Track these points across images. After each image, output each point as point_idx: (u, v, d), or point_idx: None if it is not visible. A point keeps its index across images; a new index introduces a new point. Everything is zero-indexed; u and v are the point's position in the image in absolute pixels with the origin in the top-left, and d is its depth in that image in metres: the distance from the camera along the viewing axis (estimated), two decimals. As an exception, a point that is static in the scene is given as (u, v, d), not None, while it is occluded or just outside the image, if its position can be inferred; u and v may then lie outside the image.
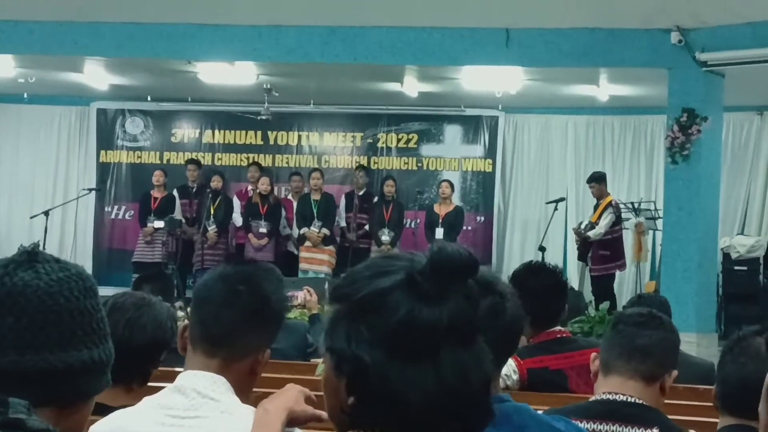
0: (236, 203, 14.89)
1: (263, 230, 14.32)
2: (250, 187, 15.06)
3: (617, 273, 13.58)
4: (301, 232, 14.30)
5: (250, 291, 2.63)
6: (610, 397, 3.24)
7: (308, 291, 7.16)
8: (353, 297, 1.59)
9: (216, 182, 14.60)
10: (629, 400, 3.21)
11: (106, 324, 1.74)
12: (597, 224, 13.24)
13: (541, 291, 4.68)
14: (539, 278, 4.75)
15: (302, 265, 14.15)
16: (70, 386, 1.65)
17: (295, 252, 14.51)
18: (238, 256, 13.97)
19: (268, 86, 14.28)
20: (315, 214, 14.27)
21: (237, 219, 14.76)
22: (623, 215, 13.58)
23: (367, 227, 14.58)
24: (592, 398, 3.32)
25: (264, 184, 14.43)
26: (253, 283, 2.65)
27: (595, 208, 13.57)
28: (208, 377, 2.57)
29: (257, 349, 2.65)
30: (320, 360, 5.40)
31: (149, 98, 15.93)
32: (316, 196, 14.44)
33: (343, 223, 14.62)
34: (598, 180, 13.57)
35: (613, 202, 13.38)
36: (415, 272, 1.56)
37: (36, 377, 1.61)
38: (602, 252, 13.21)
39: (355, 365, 1.56)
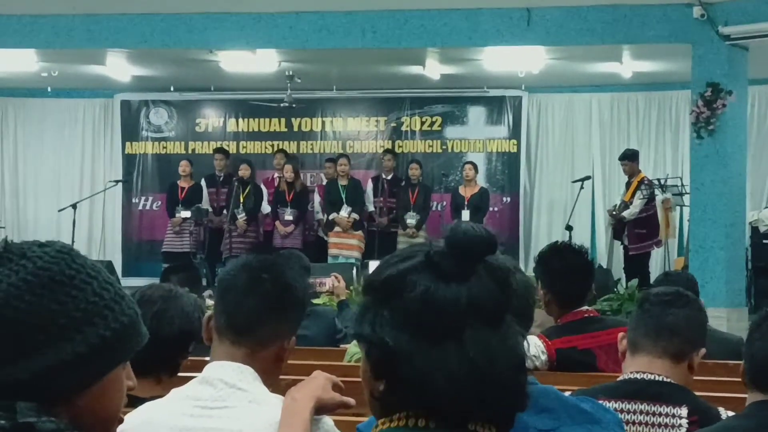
0: (264, 191, 14.92)
1: (289, 217, 14.35)
2: (276, 175, 15.09)
3: (653, 250, 13.56)
4: (330, 217, 14.31)
5: (272, 279, 2.66)
6: (638, 376, 3.24)
7: (336, 277, 7.17)
8: (377, 282, 1.60)
9: (244, 171, 14.61)
10: (657, 378, 3.21)
11: (97, 304, 1.63)
12: (631, 203, 13.20)
13: (567, 271, 4.69)
14: (565, 258, 4.75)
15: (332, 251, 14.17)
16: (54, 387, 1.59)
17: (325, 238, 14.53)
18: (263, 246, 14.02)
19: (290, 73, 14.28)
20: (344, 199, 14.28)
21: (265, 207, 14.79)
22: (650, 192, 13.53)
23: (396, 211, 14.58)
24: (620, 378, 3.32)
25: (288, 172, 14.45)
26: (276, 272, 2.68)
27: (627, 185, 13.52)
28: (235, 367, 2.58)
29: (282, 336, 2.67)
30: (348, 346, 5.42)
31: (172, 89, 15.97)
32: (343, 182, 14.45)
33: (372, 208, 14.61)
34: (630, 157, 13.51)
35: (645, 180, 13.34)
36: (432, 252, 1.56)
37: (10, 389, 1.54)
38: (638, 230, 13.18)
39: (381, 349, 1.56)
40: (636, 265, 12.98)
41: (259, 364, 2.62)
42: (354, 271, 11.21)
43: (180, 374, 3.26)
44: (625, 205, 13.27)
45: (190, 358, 3.33)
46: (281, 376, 2.77)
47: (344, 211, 14.20)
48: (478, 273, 1.55)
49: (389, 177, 14.82)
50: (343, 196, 14.29)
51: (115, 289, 1.70)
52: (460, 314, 1.52)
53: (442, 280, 1.54)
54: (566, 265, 4.71)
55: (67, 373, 1.60)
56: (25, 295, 1.59)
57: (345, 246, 14.15)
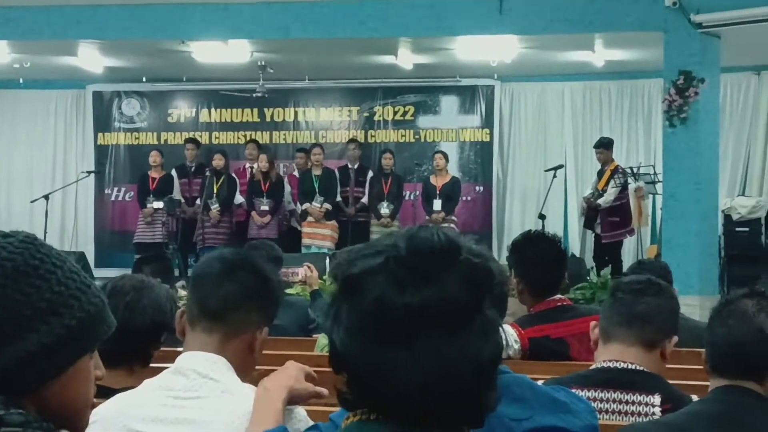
0: (238, 181, 14.87)
1: (265, 208, 14.32)
2: (248, 165, 15.05)
3: (626, 238, 13.61)
4: (303, 207, 14.29)
5: (248, 270, 2.68)
6: (610, 364, 3.25)
7: (309, 267, 7.15)
8: (340, 277, 1.60)
9: (218, 160, 14.56)
10: (630, 367, 3.22)
11: (62, 294, 1.63)
12: (605, 191, 13.24)
13: (540, 260, 4.69)
14: (538, 247, 4.76)
15: (305, 241, 14.15)
16: (20, 378, 1.58)
17: (299, 228, 14.52)
18: (237, 237, 14.00)
19: (263, 63, 14.25)
20: (317, 190, 14.26)
21: (238, 197, 14.75)
22: (623, 180, 13.58)
23: (363, 200, 14.58)
24: (593, 366, 3.33)
25: (263, 162, 14.42)
26: (252, 264, 2.70)
27: (600, 174, 13.56)
28: (208, 357, 2.58)
29: (254, 325, 2.67)
30: (320, 336, 5.42)
31: (144, 79, 15.90)
32: (317, 172, 14.42)
33: (339, 198, 14.58)
34: (606, 145, 13.57)
35: (619, 168, 13.39)
36: (390, 258, 1.56)
37: None
38: (612, 219, 13.23)
39: (333, 346, 1.58)
40: (608, 253, 13.04)
41: (231, 354, 2.62)
42: (327, 261, 11.18)
43: (152, 365, 3.25)
44: (599, 193, 13.31)
45: (162, 348, 3.32)
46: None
47: (316, 202, 14.17)
48: (442, 277, 1.54)
49: (356, 166, 14.81)
50: (316, 186, 14.26)
51: (81, 279, 1.69)
52: (411, 322, 1.52)
53: (398, 287, 1.53)
54: (539, 253, 4.72)
55: (33, 363, 1.59)
56: None
57: (318, 236, 14.13)
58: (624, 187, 13.35)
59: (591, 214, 13.46)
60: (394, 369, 1.52)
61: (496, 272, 1.65)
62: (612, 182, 13.24)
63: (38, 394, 1.61)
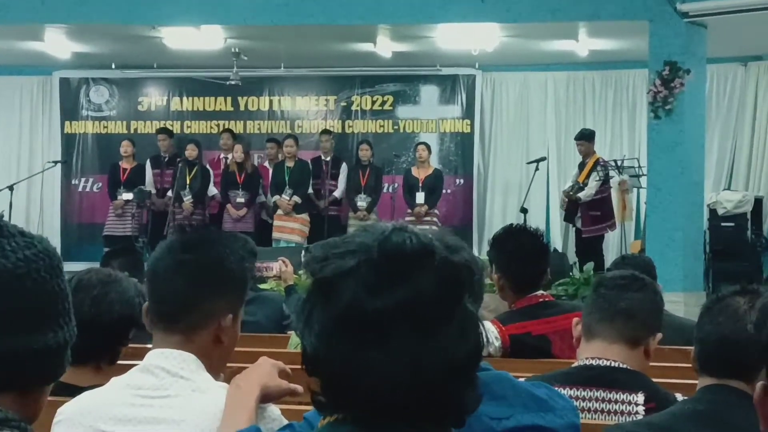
0: (211, 172, 14.83)
1: (241, 200, 14.29)
2: (222, 155, 15.01)
3: (607, 233, 13.63)
4: (273, 200, 14.28)
5: (198, 258, 2.62)
6: (593, 362, 3.25)
7: (284, 261, 7.16)
8: (316, 275, 1.62)
9: (191, 151, 14.53)
10: (613, 364, 3.23)
11: (71, 302, 1.69)
12: (586, 184, 13.24)
13: (521, 255, 4.71)
14: (519, 241, 4.78)
15: (274, 234, 14.13)
16: (35, 370, 1.61)
17: (269, 221, 14.50)
18: (196, 226, 13.95)
19: (237, 50, 14.19)
20: (287, 182, 14.23)
21: (211, 189, 14.71)
22: (607, 173, 13.59)
23: (336, 194, 14.57)
24: (575, 364, 3.34)
25: (238, 152, 14.38)
26: (203, 249, 2.64)
27: (581, 167, 13.57)
28: (177, 355, 2.56)
29: (217, 316, 2.62)
30: (294, 332, 5.41)
31: (113, 66, 15.82)
32: (289, 163, 14.39)
33: (311, 190, 14.55)
34: (587, 137, 13.56)
35: (600, 161, 13.40)
36: (362, 261, 1.57)
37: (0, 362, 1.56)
38: (593, 213, 13.23)
39: (305, 349, 1.60)
40: (589, 248, 13.04)
41: (198, 349, 2.58)
42: (302, 256, 11.16)
43: (120, 362, 3.23)
44: (580, 186, 13.31)
45: (130, 345, 3.31)
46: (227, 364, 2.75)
47: (285, 194, 14.15)
48: (416, 279, 1.55)
49: (329, 158, 14.79)
50: (287, 178, 14.23)
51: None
52: (384, 324, 1.54)
53: (370, 291, 1.55)
54: (521, 248, 4.73)
55: (56, 357, 1.61)
56: (41, 271, 1.62)
57: (286, 230, 14.12)
58: (605, 180, 13.36)
59: (571, 207, 13.47)
60: (367, 370, 1.54)
61: (474, 267, 1.66)
62: (593, 175, 13.25)
63: (20, 396, 1.61)
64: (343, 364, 1.55)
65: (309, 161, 14.67)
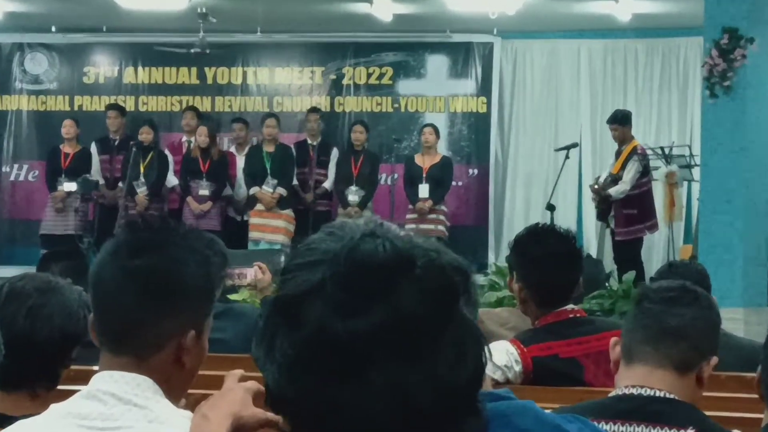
0: (170, 159, 14.83)
1: (205, 192, 14.28)
2: (184, 138, 15.02)
3: (646, 236, 13.62)
4: (252, 192, 14.26)
5: (150, 264, 2.57)
6: (634, 391, 3.25)
7: (260, 267, 7.15)
8: (276, 293, 1.61)
9: (145, 134, 14.53)
10: (657, 394, 3.23)
11: None
12: (620, 177, 13.22)
13: (548, 261, 4.71)
14: (546, 245, 4.77)
15: (253, 234, 14.14)
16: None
17: (237, 218, 14.50)
18: (149, 222, 13.92)
19: (204, 11, 14.20)
20: (269, 170, 14.23)
21: (171, 179, 14.71)
22: (651, 163, 13.58)
23: (325, 185, 14.58)
24: (612, 393, 3.34)
25: (202, 135, 14.37)
26: (157, 253, 2.60)
27: (617, 155, 13.55)
28: (130, 379, 2.54)
29: (176, 334, 2.59)
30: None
31: (54, 29, 15.85)
32: (269, 148, 14.39)
33: (296, 181, 14.55)
34: (621, 121, 13.51)
35: (638, 149, 13.35)
36: (327, 277, 1.55)
37: None
38: (628, 211, 13.19)
39: (267, 382, 1.60)
40: (627, 254, 13.00)
41: (153, 372, 2.57)
42: (282, 260, 11.17)
43: (60, 387, 3.23)
44: (613, 178, 13.24)
45: (73, 366, 3.31)
46: (189, 390, 2.75)
47: (268, 185, 14.14)
48: (394, 293, 1.54)
49: (317, 142, 14.79)
50: (268, 166, 14.24)
51: None
52: (360, 352, 1.53)
53: (338, 313, 1.53)
54: (548, 253, 4.73)
55: None
56: None
57: (269, 228, 14.13)
58: (645, 172, 13.30)
59: (604, 204, 13.41)
60: (341, 408, 1.53)
61: (468, 268, 1.64)
62: (629, 165, 13.20)
63: None
64: (312, 401, 1.54)
65: (292, 146, 14.68)
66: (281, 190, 14.19)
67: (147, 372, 2.56)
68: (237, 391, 2.53)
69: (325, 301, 1.54)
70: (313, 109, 15.20)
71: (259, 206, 14.22)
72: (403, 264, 1.56)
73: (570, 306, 4.81)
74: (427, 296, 1.55)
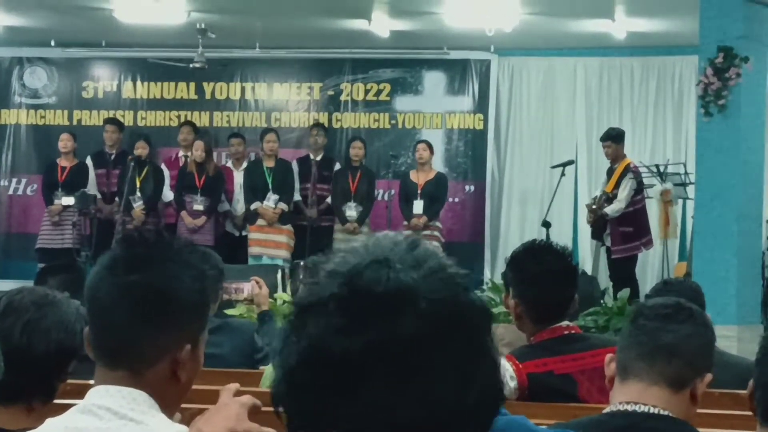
0: (166, 174, 14.83)
1: (199, 207, 14.27)
2: (181, 153, 15.02)
3: (642, 253, 13.61)
4: (253, 207, 14.25)
5: (145, 280, 2.58)
6: (628, 407, 3.25)
7: (257, 282, 7.14)
8: (295, 298, 1.65)
9: (141, 149, 14.51)
10: (652, 411, 3.23)
11: None
12: (614, 195, 13.20)
13: (544, 278, 4.71)
14: (543, 262, 4.77)
15: (253, 249, 14.11)
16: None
17: (236, 233, 14.49)
18: (144, 236, 13.90)
19: (202, 26, 14.22)
20: (270, 186, 14.22)
21: (167, 194, 14.70)
22: (646, 181, 13.57)
23: (329, 200, 14.57)
24: (607, 409, 3.34)
25: (199, 150, 14.36)
26: (152, 268, 2.60)
27: (609, 173, 13.54)
28: (125, 393, 2.54)
29: (171, 349, 2.60)
30: (268, 367, 5.41)
31: (53, 43, 15.84)
32: (269, 163, 14.39)
33: (298, 197, 14.56)
34: (615, 138, 13.51)
35: (631, 166, 13.35)
36: (331, 296, 1.57)
37: None
38: (624, 229, 13.18)
39: (272, 390, 1.62)
40: (622, 271, 13.00)
41: (148, 386, 2.57)
42: (279, 275, 11.14)
43: (57, 401, 3.23)
44: (608, 197, 13.23)
45: (69, 380, 3.30)
46: (185, 405, 2.74)
47: (270, 201, 14.14)
48: (391, 321, 1.54)
49: (319, 158, 14.79)
50: (269, 181, 14.24)
51: None
52: (351, 369, 1.53)
53: (335, 332, 1.55)
54: (544, 269, 4.73)
55: None
56: None
57: (271, 243, 14.11)
58: (639, 190, 13.30)
59: (599, 222, 13.41)
60: (330, 418, 1.54)
61: (487, 309, 1.65)
62: (623, 183, 13.19)
63: None
64: (304, 407, 1.56)
65: (294, 161, 14.69)
66: (283, 205, 14.19)
67: (142, 386, 2.56)
68: (232, 406, 2.53)
69: (326, 318, 1.55)
70: (318, 125, 15.18)
71: (260, 221, 14.21)
72: (401, 298, 1.56)
73: (565, 322, 4.81)
74: (426, 325, 1.55)
